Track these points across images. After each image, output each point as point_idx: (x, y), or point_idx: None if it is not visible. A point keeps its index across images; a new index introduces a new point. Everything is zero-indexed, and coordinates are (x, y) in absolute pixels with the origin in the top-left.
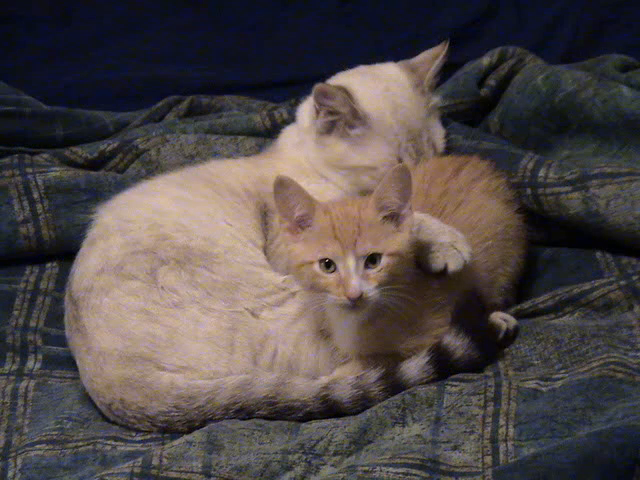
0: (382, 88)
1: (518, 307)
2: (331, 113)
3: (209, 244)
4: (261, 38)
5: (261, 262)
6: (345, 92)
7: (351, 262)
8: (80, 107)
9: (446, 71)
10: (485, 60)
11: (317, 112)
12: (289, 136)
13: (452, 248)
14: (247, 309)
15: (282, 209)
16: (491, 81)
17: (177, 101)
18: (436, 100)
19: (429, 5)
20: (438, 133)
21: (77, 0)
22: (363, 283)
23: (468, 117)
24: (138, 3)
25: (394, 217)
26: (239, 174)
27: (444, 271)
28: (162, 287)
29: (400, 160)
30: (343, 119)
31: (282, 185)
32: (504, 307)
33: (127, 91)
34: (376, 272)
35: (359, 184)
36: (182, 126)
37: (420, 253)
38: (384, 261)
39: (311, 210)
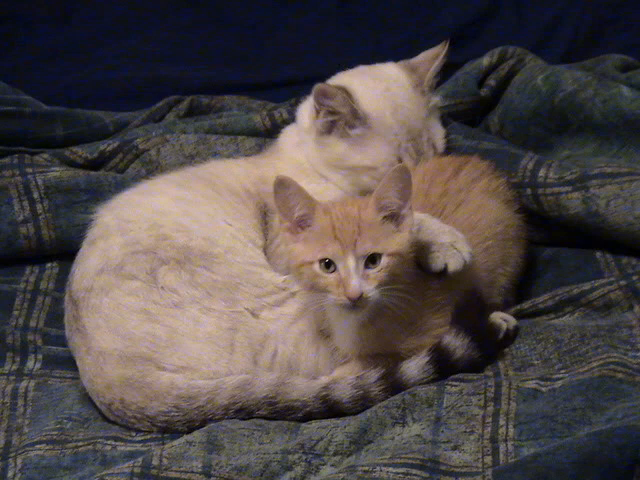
0: (382, 88)
1: (518, 307)
2: (331, 113)
3: (209, 244)
4: (261, 38)
5: (261, 262)
6: (345, 92)
7: (351, 262)
8: (80, 107)
9: (446, 71)
10: (485, 60)
11: (317, 112)
12: (289, 136)
13: (452, 248)
14: (247, 309)
15: (282, 209)
16: (491, 81)
17: (177, 101)
18: (436, 100)
19: (429, 5)
20: (438, 133)
21: (77, 0)
22: (363, 283)
23: (468, 117)
24: (138, 3)
25: (394, 217)
26: (239, 174)
27: (444, 271)
28: (162, 287)
29: (400, 160)
30: (343, 119)
31: (282, 185)
32: (504, 307)
33: (127, 91)
34: (376, 272)
35: (359, 184)
36: (182, 126)
37: (420, 253)
38: (384, 261)
39: (311, 210)
